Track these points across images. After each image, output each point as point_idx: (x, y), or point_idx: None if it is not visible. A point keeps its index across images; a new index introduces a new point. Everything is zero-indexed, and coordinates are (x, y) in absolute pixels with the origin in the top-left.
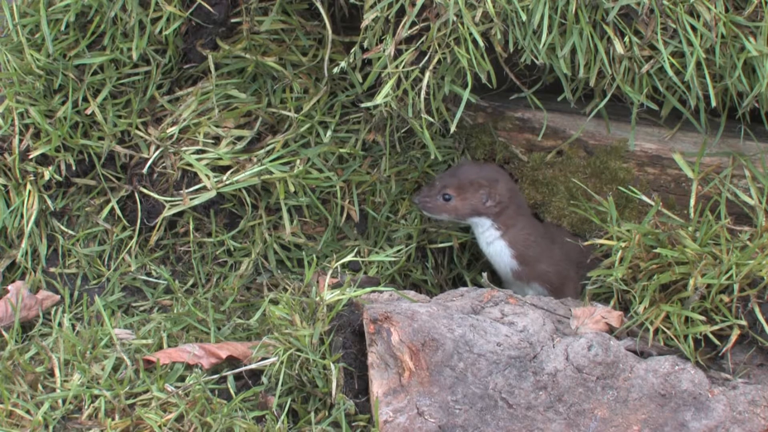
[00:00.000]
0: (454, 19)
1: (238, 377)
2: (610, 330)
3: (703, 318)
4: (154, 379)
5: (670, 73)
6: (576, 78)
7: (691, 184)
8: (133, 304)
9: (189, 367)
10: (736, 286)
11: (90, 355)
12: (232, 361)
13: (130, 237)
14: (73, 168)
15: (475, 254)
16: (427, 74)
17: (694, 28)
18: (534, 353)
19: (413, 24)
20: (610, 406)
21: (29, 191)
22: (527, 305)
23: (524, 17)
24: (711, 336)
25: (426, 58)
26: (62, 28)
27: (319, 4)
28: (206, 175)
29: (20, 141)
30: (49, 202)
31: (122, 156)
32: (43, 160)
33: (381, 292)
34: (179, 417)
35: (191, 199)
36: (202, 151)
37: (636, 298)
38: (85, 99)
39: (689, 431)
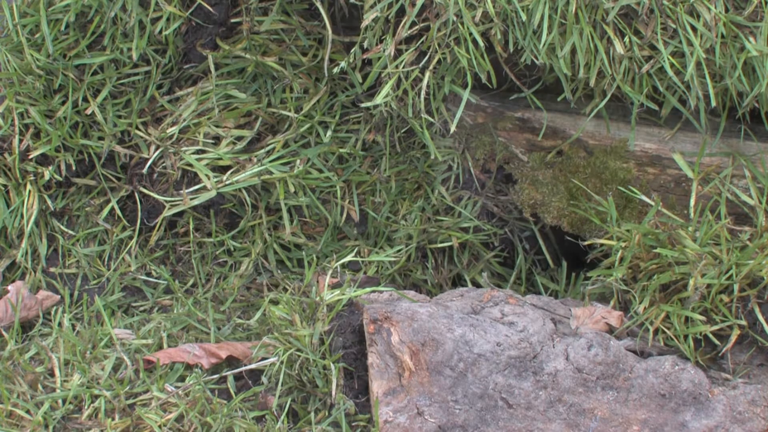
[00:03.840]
0: (454, 19)
1: (238, 377)
2: (610, 330)
3: (703, 318)
4: (154, 379)
5: (670, 73)
6: (576, 78)
7: (691, 184)
8: (133, 304)
9: (189, 367)
10: (736, 286)
11: (90, 355)
12: (232, 361)
13: (130, 237)
14: (73, 168)
15: (474, 254)
16: (427, 74)
17: (694, 28)
18: (534, 353)
19: (413, 24)
20: (610, 406)
21: (29, 191)
22: (527, 305)
23: (524, 17)
24: (711, 336)
25: (426, 58)
26: (62, 28)
27: (319, 4)
28: (206, 175)
29: (20, 141)
30: (49, 202)
31: (122, 156)
32: (43, 160)
33: (381, 292)
34: (179, 417)
35: (191, 199)
36: (202, 151)
37: (636, 298)
38: (85, 99)
39: (689, 431)
